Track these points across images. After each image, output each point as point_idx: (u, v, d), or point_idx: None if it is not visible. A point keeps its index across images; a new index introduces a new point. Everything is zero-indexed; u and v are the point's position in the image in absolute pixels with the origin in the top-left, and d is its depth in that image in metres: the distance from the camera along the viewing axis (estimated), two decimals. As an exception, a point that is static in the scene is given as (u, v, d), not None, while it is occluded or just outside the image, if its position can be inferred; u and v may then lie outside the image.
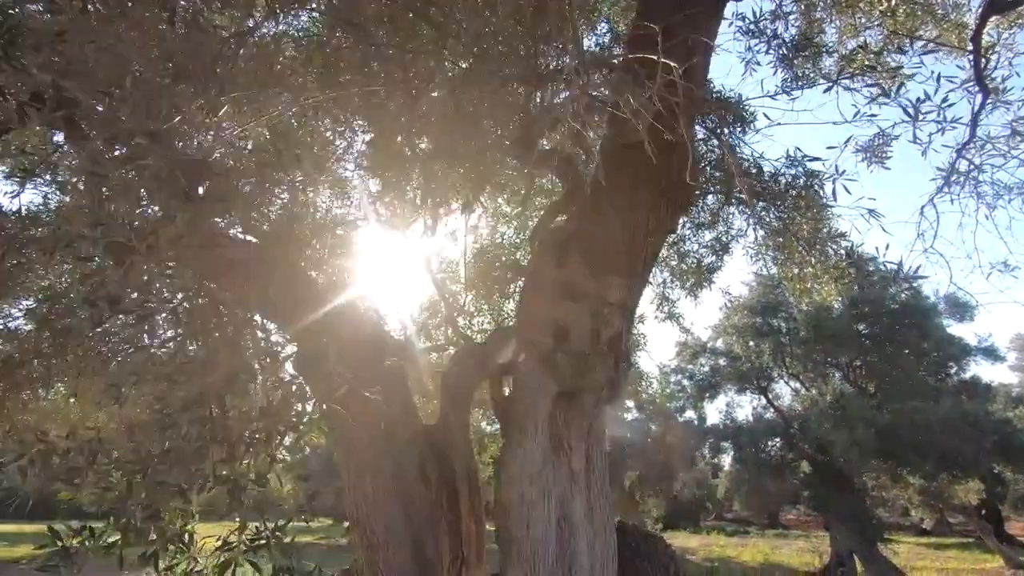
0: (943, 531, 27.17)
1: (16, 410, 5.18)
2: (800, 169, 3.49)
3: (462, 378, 4.58)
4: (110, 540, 2.04)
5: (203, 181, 2.79)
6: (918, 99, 2.60)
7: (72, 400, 5.00)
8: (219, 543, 2.23)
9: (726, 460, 20.71)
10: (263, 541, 2.27)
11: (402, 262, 5.91)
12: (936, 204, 3.33)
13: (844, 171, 2.92)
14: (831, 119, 3.38)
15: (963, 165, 3.50)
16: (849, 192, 2.93)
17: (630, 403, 23.55)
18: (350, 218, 4.55)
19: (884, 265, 2.51)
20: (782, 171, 4.40)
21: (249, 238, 3.63)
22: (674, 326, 6.51)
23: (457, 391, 4.58)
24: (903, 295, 14.16)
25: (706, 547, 23.60)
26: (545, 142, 6.23)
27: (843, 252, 3.77)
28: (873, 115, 2.79)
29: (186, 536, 2.15)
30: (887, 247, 2.48)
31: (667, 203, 3.34)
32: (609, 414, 3.70)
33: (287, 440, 2.72)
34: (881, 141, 3.85)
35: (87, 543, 1.94)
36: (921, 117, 3.38)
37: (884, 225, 3.00)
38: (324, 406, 3.93)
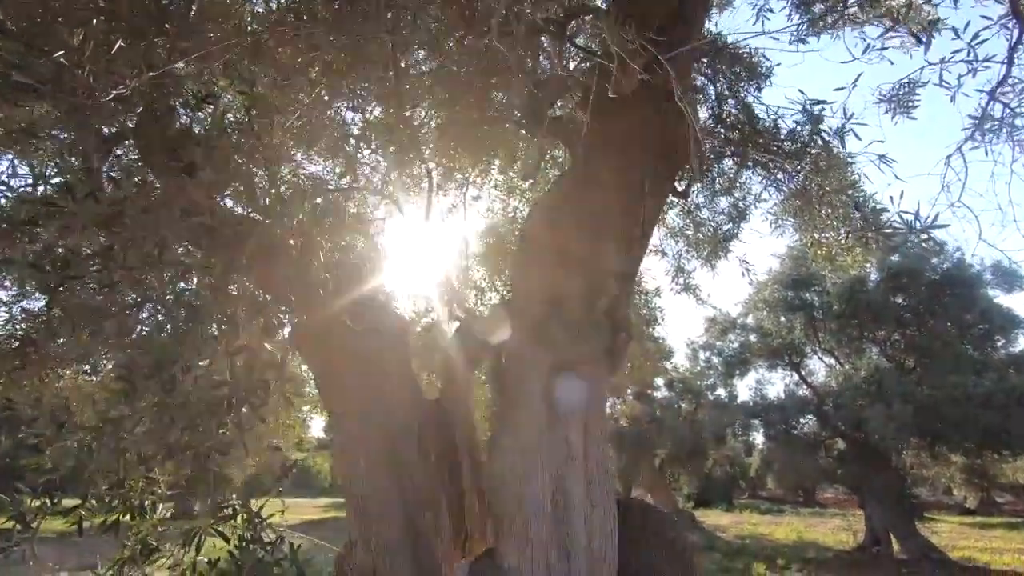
0: (990, 511, 26.24)
1: (34, 388, 5.32)
2: (811, 119, 3.19)
3: (463, 352, 4.48)
4: (70, 506, 2.02)
5: (171, 146, 2.71)
6: (930, 22, 2.31)
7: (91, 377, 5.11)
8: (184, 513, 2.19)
9: (759, 438, 20.30)
10: (229, 511, 2.23)
11: (404, 235, 5.81)
12: (964, 153, 3.02)
13: (853, 114, 2.65)
14: (849, 65, 3.09)
15: (997, 110, 3.17)
16: (859, 138, 2.67)
17: (659, 380, 23.38)
18: (332, 186, 4.44)
19: (899, 216, 2.27)
20: (798, 129, 4.10)
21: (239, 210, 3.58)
22: (691, 298, 6.26)
23: (459, 365, 4.49)
24: (945, 265, 13.45)
25: (738, 525, 23.37)
26: (558, 110, 6.01)
27: (852, 204, 3.46)
28: (884, 48, 2.51)
29: (148, 505, 2.11)
30: (901, 195, 2.23)
31: (664, 161, 3.12)
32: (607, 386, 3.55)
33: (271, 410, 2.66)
34: (907, 90, 3.53)
35: (44, 508, 1.91)
36: (949, 57, 3.06)
37: (904, 176, 2.73)
38: (314, 376, 3.90)
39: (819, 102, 2.79)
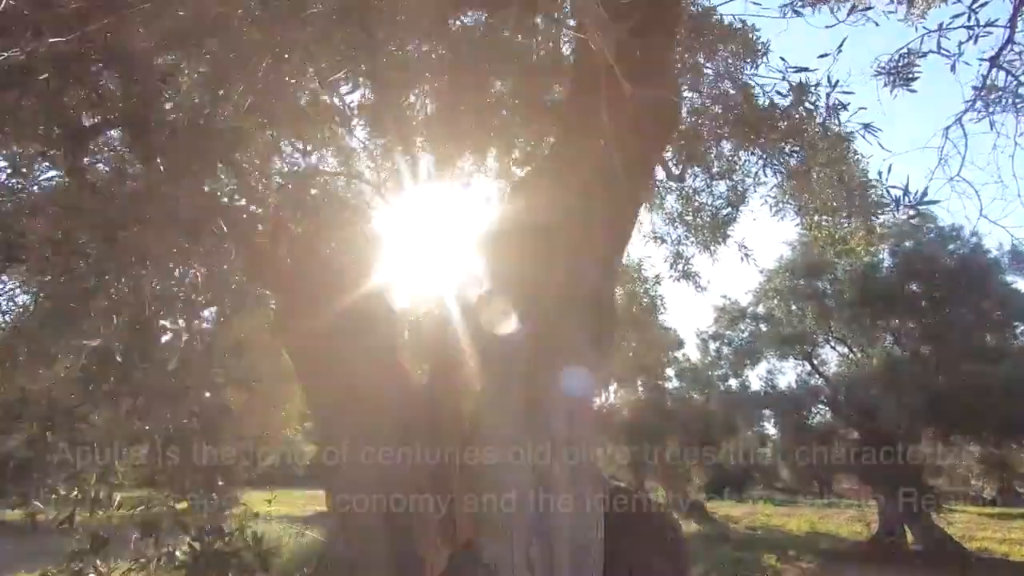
0: (1016, 501, 25.73)
1: (24, 381, 5.32)
2: (794, 90, 3.02)
3: (453, 340, 4.40)
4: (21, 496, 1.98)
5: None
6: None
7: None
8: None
9: (772, 429, 20.03)
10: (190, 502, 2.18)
11: (398, 223, 5.73)
12: (964, 125, 2.85)
13: (838, 81, 2.50)
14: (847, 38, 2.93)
15: (1001, 78, 3.00)
16: (845, 107, 2.52)
17: (670, 371, 23.20)
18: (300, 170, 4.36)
19: (886, 191, 2.12)
20: (792, 105, 3.92)
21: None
22: (690, 285, 6.11)
23: (449, 353, 4.41)
24: (961, 250, 13.10)
25: (751, 516, 23.15)
26: (556, 95, 5.87)
27: (836, 178, 3.30)
28: (869, 8, 2.35)
29: (102, 496, 2.06)
30: (889, 169, 2.09)
31: (642, 135, 2.98)
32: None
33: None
34: (906, 60, 3.36)
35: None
36: (948, 23, 2.89)
37: (902, 151, 2.56)
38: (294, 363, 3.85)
39: (801, 69, 2.64)
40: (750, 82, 4.70)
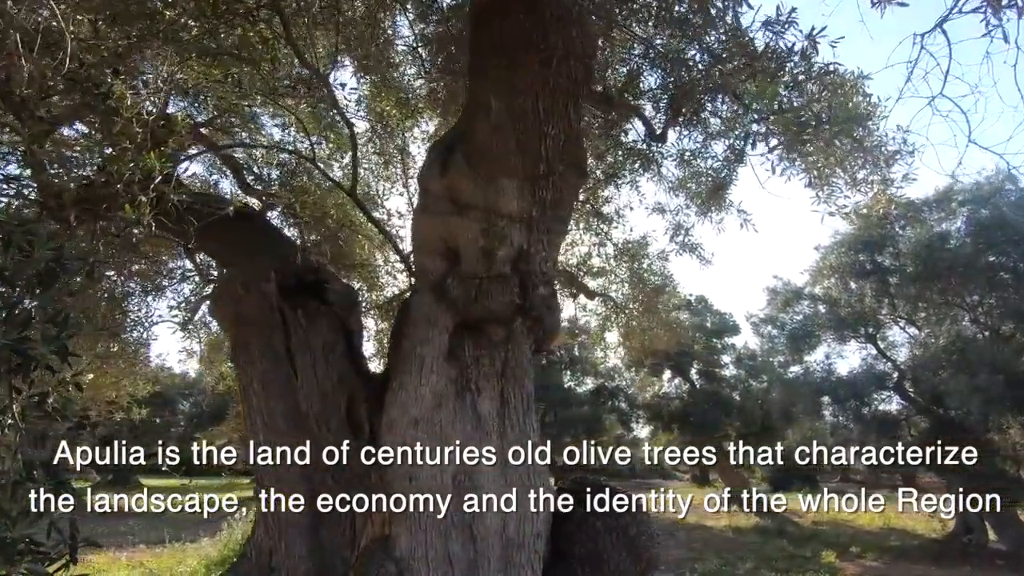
0: None
1: None
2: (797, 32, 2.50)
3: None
4: None
5: None
6: None
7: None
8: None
9: (832, 418, 18.62)
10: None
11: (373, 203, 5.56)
12: (947, 31, 2.29)
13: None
14: None
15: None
16: (751, 7, 2.04)
17: (727, 358, 22.14)
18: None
19: (809, 110, 1.66)
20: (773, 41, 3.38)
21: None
22: (693, 258, 5.59)
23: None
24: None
25: (819, 509, 21.74)
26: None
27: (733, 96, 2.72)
28: None
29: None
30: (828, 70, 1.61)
31: (559, 80, 2.59)
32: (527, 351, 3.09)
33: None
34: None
35: None
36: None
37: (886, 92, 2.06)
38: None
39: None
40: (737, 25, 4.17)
